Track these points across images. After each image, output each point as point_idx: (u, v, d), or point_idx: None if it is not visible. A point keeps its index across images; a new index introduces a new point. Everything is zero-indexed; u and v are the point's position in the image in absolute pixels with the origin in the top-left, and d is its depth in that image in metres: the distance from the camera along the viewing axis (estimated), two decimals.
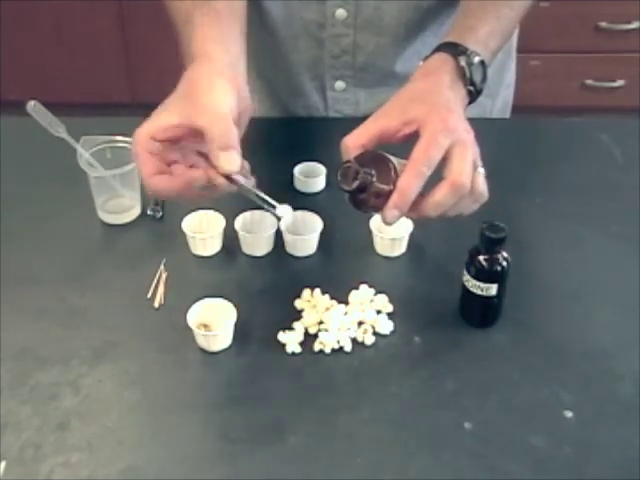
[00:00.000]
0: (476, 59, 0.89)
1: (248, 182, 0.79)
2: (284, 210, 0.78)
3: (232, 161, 0.77)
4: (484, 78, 0.90)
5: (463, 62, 0.88)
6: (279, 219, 0.82)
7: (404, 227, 0.94)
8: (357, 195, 0.79)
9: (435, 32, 1.12)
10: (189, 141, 0.80)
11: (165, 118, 0.80)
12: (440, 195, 0.78)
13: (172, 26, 0.99)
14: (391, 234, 0.94)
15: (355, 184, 0.77)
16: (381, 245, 0.95)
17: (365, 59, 1.14)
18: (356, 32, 1.10)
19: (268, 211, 0.79)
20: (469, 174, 0.79)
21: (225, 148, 0.76)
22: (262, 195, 0.78)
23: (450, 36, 0.92)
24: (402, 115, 0.83)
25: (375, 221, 0.95)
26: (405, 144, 0.81)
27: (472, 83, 0.89)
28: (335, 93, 1.19)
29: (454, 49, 0.89)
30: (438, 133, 0.79)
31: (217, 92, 0.80)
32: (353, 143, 0.82)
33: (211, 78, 0.81)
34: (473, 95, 0.90)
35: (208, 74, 0.82)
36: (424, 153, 0.79)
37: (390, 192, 0.78)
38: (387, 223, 0.79)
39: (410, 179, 0.78)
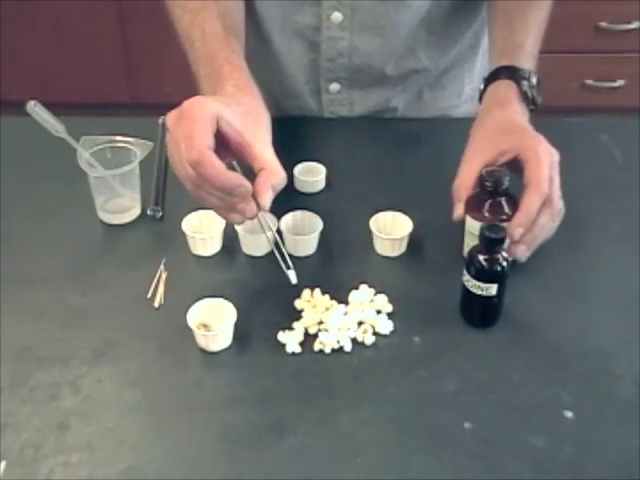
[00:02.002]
0: (534, 80, 0.96)
1: (270, 228, 0.88)
2: (292, 275, 0.87)
3: (269, 201, 0.80)
4: (541, 93, 0.98)
5: (526, 87, 0.95)
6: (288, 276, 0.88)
7: (404, 227, 0.94)
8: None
9: (423, 28, 1.12)
10: (228, 153, 0.80)
11: (232, 115, 0.79)
12: (545, 219, 0.85)
13: (172, 26, 1.00)
14: (391, 234, 0.94)
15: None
16: (381, 245, 0.95)
17: (361, 61, 1.14)
18: (352, 35, 1.10)
19: (280, 266, 0.88)
20: (560, 201, 0.87)
21: (274, 190, 0.80)
22: (280, 250, 0.88)
23: (505, 58, 0.98)
24: (496, 148, 0.89)
25: (374, 221, 0.95)
26: None
27: (534, 102, 0.96)
28: (330, 95, 1.19)
29: (515, 74, 0.96)
30: (541, 154, 0.86)
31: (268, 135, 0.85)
32: (465, 187, 0.88)
33: (266, 119, 0.87)
34: (533, 111, 0.97)
35: (262, 110, 0.88)
36: (542, 174, 0.85)
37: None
38: (513, 239, 0.84)
39: (534, 199, 0.84)
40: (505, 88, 0.96)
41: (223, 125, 0.78)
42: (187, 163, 0.76)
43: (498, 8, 1.04)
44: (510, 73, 0.96)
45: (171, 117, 0.79)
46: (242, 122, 0.80)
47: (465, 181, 0.88)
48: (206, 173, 0.75)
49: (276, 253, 0.88)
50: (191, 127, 0.75)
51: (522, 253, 0.86)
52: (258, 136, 0.82)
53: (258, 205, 0.79)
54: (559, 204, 0.86)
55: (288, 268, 0.87)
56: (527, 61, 0.97)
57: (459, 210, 0.88)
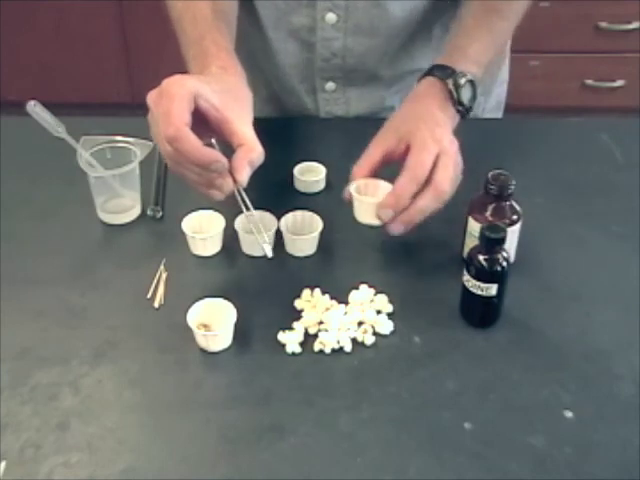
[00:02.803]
0: (463, 80, 0.94)
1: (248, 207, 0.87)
2: (267, 248, 0.87)
3: (247, 177, 0.81)
4: (474, 96, 0.96)
5: (450, 85, 0.94)
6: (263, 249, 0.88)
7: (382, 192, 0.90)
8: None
9: (422, 30, 1.13)
10: (207, 130, 0.81)
11: (211, 93, 0.80)
12: (424, 202, 0.86)
13: (169, 19, 1.00)
14: (371, 199, 0.90)
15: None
16: (360, 211, 0.92)
17: (355, 61, 1.14)
18: (346, 36, 1.11)
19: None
20: (451, 182, 0.87)
21: (252, 166, 0.81)
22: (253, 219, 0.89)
23: (440, 58, 0.98)
24: (396, 134, 0.90)
25: (354, 189, 0.91)
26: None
27: (460, 103, 0.94)
28: (326, 94, 1.19)
29: (442, 72, 0.95)
30: (427, 140, 0.87)
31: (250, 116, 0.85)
32: (360, 172, 0.90)
33: (247, 97, 0.87)
34: (463, 113, 0.96)
35: (244, 89, 0.88)
36: (417, 158, 0.86)
37: None
38: (382, 220, 0.87)
39: (406, 183, 0.86)
40: (428, 84, 0.96)
41: (201, 102, 0.79)
42: (165, 140, 0.77)
43: (460, 16, 1.05)
44: (439, 71, 0.95)
45: (152, 96, 0.80)
46: (222, 100, 0.81)
47: (362, 166, 0.90)
48: (183, 149, 0.77)
49: (241, 205, 0.87)
50: (169, 105, 0.77)
51: (397, 231, 0.87)
52: (237, 113, 0.82)
53: (235, 181, 0.81)
54: (445, 187, 0.86)
55: (259, 232, 0.88)
56: (464, 63, 0.96)
57: (346, 193, 0.90)
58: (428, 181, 0.86)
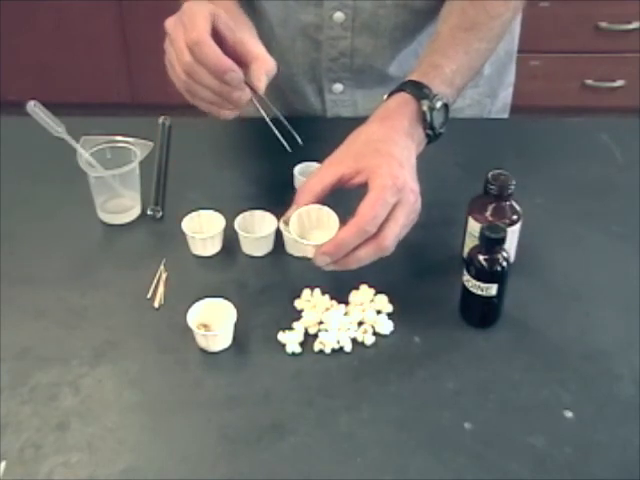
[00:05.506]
0: (438, 104, 0.89)
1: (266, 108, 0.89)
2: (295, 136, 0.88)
3: (265, 84, 0.86)
4: (445, 121, 0.90)
5: (425, 107, 0.88)
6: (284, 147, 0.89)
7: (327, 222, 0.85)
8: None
9: (430, 33, 1.11)
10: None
11: (226, 16, 0.86)
12: (363, 253, 0.80)
13: None
14: (306, 242, 0.84)
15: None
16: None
17: (362, 61, 1.14)
18: (354, 35, 1.10)
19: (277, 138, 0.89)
20: (396, 239, 0.81)
21: (268, 76, 0.86)
22: (277, 122, 0.89)
23: (415, 74, 0.92)
24: (355, 163, 0.84)
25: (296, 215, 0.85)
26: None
27: (432, 127, 0.89)
28: (333, 95, 1.19)
29: (418, 91, 0.89)
30: (387, 190, 0.80)
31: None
32: (309, 191, 0.84)
33: (249, 23, 0.97)
34: (431, 138, 0.90)
35: (243, 16, 0.98)
36: (370, 211, 0.79)
37: None
38: (317, 264, 0.81)
39: (351, 235, 0.79)
40: (399, 102, 0.89)
41: (219, 24, 0.84)
42: (186, 45, 0.82)
43: (437, 29, 0.99)
44: (414, 89, 0.89)
45: (170, 20, 0.86)
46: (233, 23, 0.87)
47: (311, 190, 0.84)
48: (203, 53, 0.82)
49: (263, 113, 0.90)
50: (192, 17, 0.83)
51: (328, 269, 0.82)
52: (248, 34, 0.91)
53: (253, 90, 0.86)
54: (388, 244, 0.80)
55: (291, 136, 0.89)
56: (439, 84, 0.90)
57: (288, 213, 0.84)
58: (375, 233, 0.80)
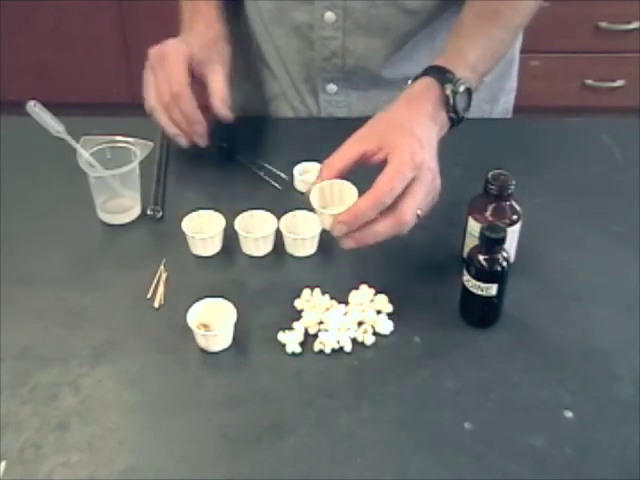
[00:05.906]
0: (462, 88, 0.90)
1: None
2: None
3: (229, 114, 1.04)
4: (468, 106, 0.92)
5: (449, 90, 0.90)
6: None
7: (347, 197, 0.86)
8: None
9: (426, 36, 1.11)
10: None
11: (197, 54, 1.03)
12: (380, 228, 0.81)
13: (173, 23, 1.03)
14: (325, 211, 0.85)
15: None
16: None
17: (355, 62, 1.13)
18: (345, 35, 1.10)
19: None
20: (414, 215, 0.81)
21: (226, 105, 1.04)
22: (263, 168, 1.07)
23: (440, 59, 0.93)
24: (377, 141, 0.84)
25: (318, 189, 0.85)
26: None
27: (455, 111, 0.90)
28: (327, 96, 1.19)
29: (442, 75, 0.91)
30: (405, 165, 0.81)
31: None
32: (332, 167, 0.84)
33: (223, 51, 1.07)
34: (454, 121, 0.91)
35: (220, 43, 1.07)
36: (388, 183, 0.80)
37: None
38: (334, 233, 0.82)
39: (367, 205, 0.80)
40: (424, 86, 0.91)
41: (193, 62, 1.02)
42: (168, 93, 0.99)
43: (461, 16, 1.01)
44: (438, 73, 0.91)
45: (154, 53, 1.02)
46: (201, 56, 1.03)
47: (334, 165, 0.84)
48: (182, 104, 1.00)
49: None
50: (175, 66, 1.00)
51: (346, 246, 0.82)
52: (212, 67, 1.04)
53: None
54: (406, 218, 0.81)
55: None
56: (464, 69, 0.92)
57: (313, 185, 0.85)
58: (392, 206, 0.81)
